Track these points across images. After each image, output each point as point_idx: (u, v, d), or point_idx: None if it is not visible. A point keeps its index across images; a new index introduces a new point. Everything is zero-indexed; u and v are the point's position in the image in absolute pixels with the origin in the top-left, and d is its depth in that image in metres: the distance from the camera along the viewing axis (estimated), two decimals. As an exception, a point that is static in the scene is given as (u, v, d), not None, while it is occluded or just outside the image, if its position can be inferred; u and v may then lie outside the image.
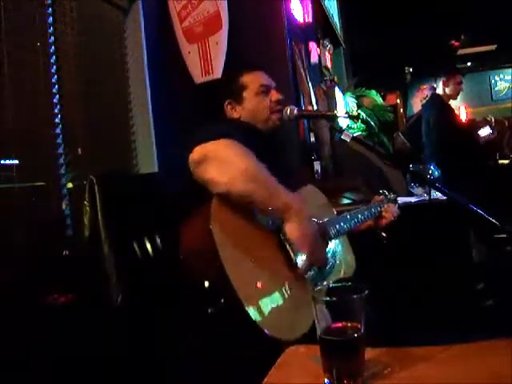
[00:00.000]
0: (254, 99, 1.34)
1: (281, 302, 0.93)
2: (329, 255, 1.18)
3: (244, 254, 0.94)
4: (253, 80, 1.35)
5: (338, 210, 1.43)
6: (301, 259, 1.01)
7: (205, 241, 0.91)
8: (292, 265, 1.01)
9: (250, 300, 0.87)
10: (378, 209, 1.48)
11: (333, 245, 1.23)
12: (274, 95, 1.35)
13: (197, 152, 1.02)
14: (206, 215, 0.93)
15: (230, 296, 0.86)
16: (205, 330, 0.94)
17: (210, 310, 0.90)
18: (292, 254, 1.02)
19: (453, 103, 3.43)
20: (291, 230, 1.00)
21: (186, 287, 0.97)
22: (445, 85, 3.29)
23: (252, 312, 0.86)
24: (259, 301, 0.89)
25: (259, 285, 0.91)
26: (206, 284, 0.90)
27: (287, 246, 1.02)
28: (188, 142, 1.05)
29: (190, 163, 1.03)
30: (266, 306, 0.89)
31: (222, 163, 0.99)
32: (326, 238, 1.16)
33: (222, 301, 0.88)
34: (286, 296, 0.95)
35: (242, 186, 0.97)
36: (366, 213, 1.42)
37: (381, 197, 1.56)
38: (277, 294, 0.93)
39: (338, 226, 1.24)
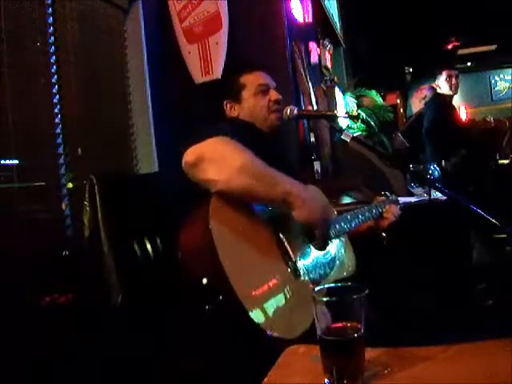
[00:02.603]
0: (252, 98, 1.34)
1: (280, 300, 0.93)
2: (329, 255, 1.18)
3: (243, 253, 0.94)
4: (252, 80, 1.36)
5: (337, 209, 1.43)
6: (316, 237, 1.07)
7: (204, 239, 0.91)
8: (290, 262, 1.01)
9: (249, 299, 0.87)
10: (380, 209, 1.48)
11: (333, 245, 1.22)
12: (274, 95, 1.35)
13: (190, 154, 1.02)
14: (204, 213, 0.93)
15: (228, 294, 0.86)
16: (203, 327, 0.94)
17: (207, 307, 0.89)
18: (290, 252, 1.02)
19: (454, 102, 3.45)
20: (298, 213, 1.00)
21: (185, 285, 0.97)
22: (442, 83, 3.32)
23: (250, 310, 0.86)
24: (258, 299, 0.89)
25: (258, 283, 0.91)
26: (205, 281, 0.90)
27: (285, 244, 1.02)
28: (181, 146, 1.05)
29: (184, 166, 1.03)
30: (264, 304, 0.89)
31: (218, 162, 0.99)
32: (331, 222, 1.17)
33: (220, 298, 0.88)
34: (285, 294, 0.95)
35: (241, 181, 0.97)
36: (366, 213, 1.42)
37: (382, 197, 1.55)
38: (276, 293, 0.93)
39: (338, 226, 1.24)
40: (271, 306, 0.90)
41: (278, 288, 0.94)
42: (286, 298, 0.94)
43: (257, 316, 0.86)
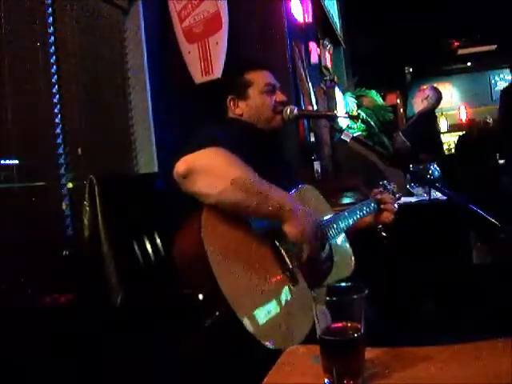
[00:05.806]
0: (259, 97, 1.31)
1: (277, 309, 0.92)
2: (327, 257, 1.17)
3: (236, 264, 0.92)
4: (259, 78, 1.33)
5: (337, 210, 1.43)
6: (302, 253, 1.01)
7: (196, 251, 0.89)
8: (287, 270, 1.00)
9: (245, 311, 0.86)
10: (376, 203, 1.44)
11: (331, 246, 1.21)
12: (280, 96, 1.34)
13: (181, 165, 0.99)
14: (196, 225, 0.92)
15: (223, 308, 0.85)
16: (202, 341, 0.93)
17: (206, 323, 0.88)
18: (287, 259, 1.00)
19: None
20: (289, 229, 0.98)
21: (182, 297, 0.96)
22: None
23: (247, 323, 0.85)
24: (254, 311, 0.87)
25: (254, 295, 0.90)
26: (201, 297, 0.89)
27: (282, 252, 1.01)
28: (175, 155, 1.03)
29: (175, 176, 1.01)
30: (261, 315, 0.88)
31: (210, 175, 0.97)
32: (323, 240, 1.14)
33: (217, 313, 0.87)
34: (283, 303, 0.94)
35: (233, 196, 0.95)
36: (364, 208, 1.40)
37: (380, 189, 1.51)
38: (273, 302, 0.92)
39: (335, 226, 1.22)
40: (269, 317, 0.89)
41: (275, 297, 0.93)
42: (283, 306, 0.93)
43: (254, 329, 0.85)
